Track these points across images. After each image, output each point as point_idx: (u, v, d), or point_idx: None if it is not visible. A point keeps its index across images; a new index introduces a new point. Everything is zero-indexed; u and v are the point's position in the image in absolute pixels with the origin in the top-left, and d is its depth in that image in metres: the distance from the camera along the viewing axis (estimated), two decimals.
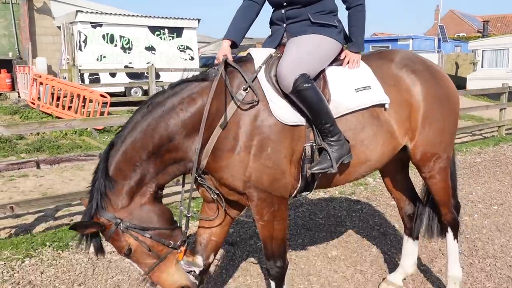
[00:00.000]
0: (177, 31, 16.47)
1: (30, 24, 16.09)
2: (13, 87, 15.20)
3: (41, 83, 11.66)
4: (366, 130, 2.74)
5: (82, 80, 13.64)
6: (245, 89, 2.48)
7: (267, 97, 2.51)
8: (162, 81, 14.38)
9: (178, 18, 16.52)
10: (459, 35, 39.46)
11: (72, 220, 5.09)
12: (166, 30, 16.28)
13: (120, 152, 2.39)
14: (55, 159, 4.48)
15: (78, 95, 11.13)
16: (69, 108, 11.21)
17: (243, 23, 2.80)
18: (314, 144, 2.59)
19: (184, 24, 16.63)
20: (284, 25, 2.77)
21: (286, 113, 2.51)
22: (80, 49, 14.76)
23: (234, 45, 2.75)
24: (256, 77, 2.54)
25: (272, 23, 2.87)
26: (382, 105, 2.77)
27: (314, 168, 2.53)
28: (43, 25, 16.62)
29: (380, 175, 3.59)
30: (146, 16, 16.07)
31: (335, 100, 2.65)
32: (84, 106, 11.06)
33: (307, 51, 2.61)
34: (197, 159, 2.43)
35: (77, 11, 14.86)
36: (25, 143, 9.04)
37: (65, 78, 13.79)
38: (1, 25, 15.74)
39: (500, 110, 10.61)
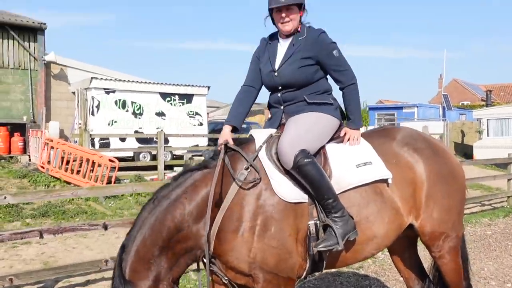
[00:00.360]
0: (187, 98, 16.96)
1: (46, 90, 16.68)
2: (24, 150, 15.47)
3: (52, 147, 11.87)
4: (370, 206, 2.73)
5: (93, 145, 13.87)
6: (246, 168, 2.53)
7: (268, 175, 2.55)
8: (170, 146, 14.59)
9: (188, 85, 17.06)
10: (463, 103, 40.10)
11: None
12: (177, 97, 16.76)
13: (133, 253, 2.40)
14: (59, 229, 4.45)
15: (88, 160, 11.28)
16: (78, 172, 11.32)
17: (242, 108, 2.93)
18: (318, 222, 2.57)
19: (194, 91, 17.15)
20: (282, 107, 2.87)
21: (288, 190, 2.53)
22: (92, 114, 15.17)
23: (235, 129, 2.85)
24: (257, 156, 2.60)
25: (270, 106, 2.98)
26: (385, 181, 2.78)
27: (320, 246, 2.50)
28: (59, 91, 17.22)
29: (388, 251, 3.52)
30: (157, 83, 16.63)
31: (336, 175, 2.67)
32: (92, 170, 11.17)
33: (305, 128, 2.69)
34: (207, 244, 2.42)
35: (92, 77, 15.45)
36: (31, 207, 9.04)
37: (76, 142, 14.05)
38: (18, 90, 16.32)
39: (508, 180, 10.53)
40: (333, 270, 5.47)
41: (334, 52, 2.81)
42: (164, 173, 12.62)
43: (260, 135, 2.75)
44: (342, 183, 2.67)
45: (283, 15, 2.79)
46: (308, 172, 2.51)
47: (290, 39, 2.88)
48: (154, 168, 13.09)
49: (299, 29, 2.87)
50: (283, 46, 2.89)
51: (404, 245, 3.31)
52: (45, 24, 16.65)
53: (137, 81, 16.54)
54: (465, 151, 20.18)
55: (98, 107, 15.22)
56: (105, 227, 4.69)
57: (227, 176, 2.54)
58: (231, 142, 2.67)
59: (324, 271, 5.38)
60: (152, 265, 2.39)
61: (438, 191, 2.92)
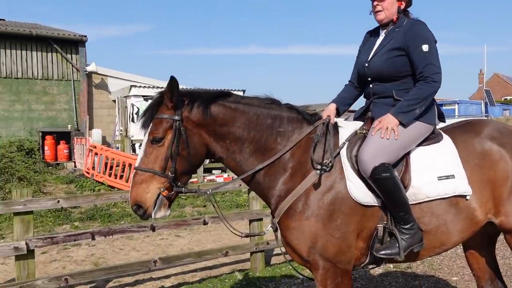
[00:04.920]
0: None
1: (88, 99, 17.27)
2: (70, 157, 16.06)
3: (96, 153, 12.27)
4: (442, 217, 2.66)
5: (134, 150, 14.23)
6: (327, 164, 2.52)
7: (345, 174, 2.55)
8: None
9: (224, 89, 17.18)
10: (506, 98, 38.52)
11: None
12: None
13: (236, 115, 2.58)
14: (109, 231, 4.58)
15: (130, 164, 11.57)
16: (121, 177, 11.63)
17: (347, 94, 2.99)
18: (386, 226, 2.57)
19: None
20: (371, 99, 2.84)
21: (361, 193, 2.53)
22: (132, 120, 15.57)
23: (338, 111, 2.89)
24: (339, 153, 2.60)
25: (364, 95, 2.97)
26: (463, 196, 2.69)
27: (381, 252, 2.52)
28: (100, 99, 17.79)
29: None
30: (195, 88, 16.84)
31: (415, 186, 2.61)
32: None
33: (391, 138, 2.56)
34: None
35: (131, 85, 15.87)
36: (78, 211, 9.37)
37: (118, 148, 14.46)
38: (63, 100, 16.98)
39: None
40: (380, 270, 5.37)
41: (423, 46, 2.61)
42: (203, 176, 12.79)
43: (345, 129, 2.72)
44: (420, 195, 2.61)
45: (375, 3, 2.76)
46: (384, 186, 2.47)
47: (385, 30, 2.82)
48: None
49: (394, 20, 2.77)
50: (380, 38, 2.84)
51: (482, 242, 3.16)
52: (85, 36, 17.25)
53: None
54: None
55: (137, 113, 15.59)
56: (153, 229, 4.79)
57: (309, 155, 2.57)
58: (332, 120, 2.72)
59: (372, 271, 5.33)
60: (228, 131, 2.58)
61: None
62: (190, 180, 10.50)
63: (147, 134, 2.52)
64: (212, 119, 2.53)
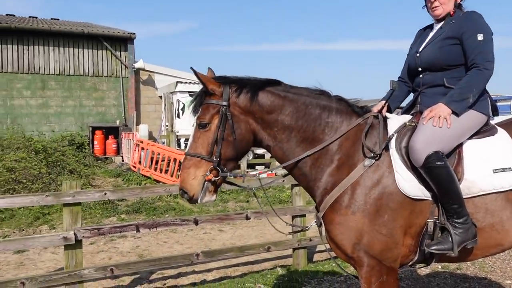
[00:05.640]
0: None
1: (136, 95, 17.79)
2: (118, 151, 16.60)
3: (142, 148, 12.59)
4: (497, 214, 2.53)
5: (179, 145, 14.50)
6: (374, 157, 2.47)
7: (394, 167, 2.47)
8: None
9: None
10: None
11: (165, 283, 5.19)
12: None
13: (291, 102, 2.55)
14: (154, 223, 4.66)
15: (175, 159, 11.79)
16: (166, 171, 11.88)
17: (397, 92, 2.89)
18: (437, 221, 2.46)
19: None
20: (419, 89, 2.76)
21: (411, 186, 2.44)
22: (178, 116, 15.87)
23: (388, 108, 2.83)
24: (387, 145, 2.52)
25: (413, 90, 2.90)
26: None
27: (433, 247, 2.42)
28: (147, 95, 18.26)
29: None
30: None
31: (468, 179, 2.49)
32: (179, 169, 11.64)
33: (443, 126, 2.48)
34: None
35: (177, 81, 16.16)
36: (125, 204, 9.64)
37: (164, 143, 14.78)
38: (112, 96, 17.58)
39: None
40: (427, 270, 5.16)
41: (478, 35, 2.54)
42: (247, 171, 12.83)
43: (394, 121, 2.65)
44: (473, 188, 2.49)
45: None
46: (437, 176, 2.37)
47: (441, 23, 2.76)
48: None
49: (451, 13, 2.72)
50: (434, 30, 2.79)
51: None
52: (134, 34, 17.74)
53: None
54: None
55: (183, 109, 15.88)
56: (196, 223, 4.83)
57: (359, 147, 2.52)
58: (383, 115, 2.66)
59: (417, 270, 5.13)
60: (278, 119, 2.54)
61: None
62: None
63: (195, 120, 2.56)
64: (260, 106, 2.52)
